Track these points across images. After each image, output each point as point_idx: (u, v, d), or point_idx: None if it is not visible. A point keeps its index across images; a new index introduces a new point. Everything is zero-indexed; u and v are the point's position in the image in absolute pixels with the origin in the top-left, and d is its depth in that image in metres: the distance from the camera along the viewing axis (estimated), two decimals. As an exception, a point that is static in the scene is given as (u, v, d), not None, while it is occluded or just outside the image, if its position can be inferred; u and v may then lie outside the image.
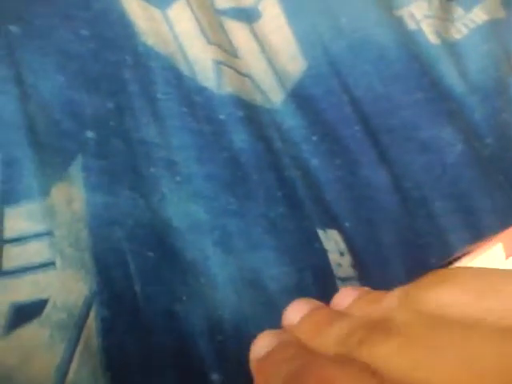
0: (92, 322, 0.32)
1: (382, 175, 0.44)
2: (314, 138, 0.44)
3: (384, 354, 0.18)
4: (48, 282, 0.32)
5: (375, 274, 0.40)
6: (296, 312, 0.26)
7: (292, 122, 0.45)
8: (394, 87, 0.48)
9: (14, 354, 0.30)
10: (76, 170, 0.36)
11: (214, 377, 0.33)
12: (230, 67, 0.45)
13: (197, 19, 0.46)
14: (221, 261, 0.36)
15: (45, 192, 0.34)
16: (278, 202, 0.40)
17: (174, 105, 0.41)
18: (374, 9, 0.51)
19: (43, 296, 0.32)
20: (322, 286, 0.37)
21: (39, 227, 0.33)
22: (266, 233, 0.38)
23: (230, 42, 0.47)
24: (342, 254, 0.39)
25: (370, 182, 0.43)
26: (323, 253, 0.39)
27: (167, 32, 0.45)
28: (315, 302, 0.26)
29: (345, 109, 0.46)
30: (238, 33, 0.48)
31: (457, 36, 0.52)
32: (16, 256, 0.32)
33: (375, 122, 0.46)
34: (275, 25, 0.49)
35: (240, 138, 0.42)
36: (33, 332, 0.31)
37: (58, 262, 0.33)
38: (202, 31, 0.45)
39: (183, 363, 0.33)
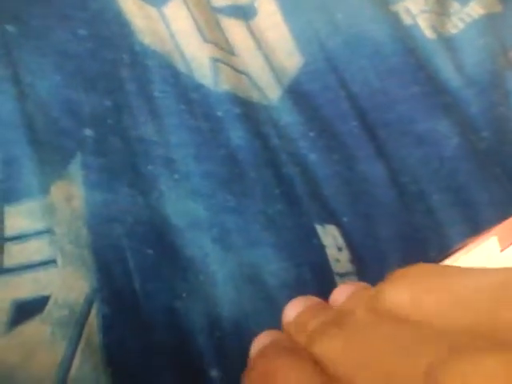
0: (93, 319, 0.32)
1: (379, 170, 0.44)
2: (312, 134, 0.44)
3: (330, 349, 0.19)
4: (49, 279, 0.32)
5: (373, 268, 0.40)
6: (293, 309, 0.26)
7: (289, 118, 0.45)
8: (391, 82, 0.48)
9: (17, 350, 0.30)
10: (75, 168, 0.36)
11: (214, 373, 0.33)
12: (227, 64, 0.45)
13: (193, 17, 0.46)
14: (220, 258, 0.37)
15: (44, 190, 0.35)
16: (276, 199, 0.40)
17: (172, 103, 0.41)
18: (369, 4, 0.51)
19: (45, 293, 0.32)
20: (320, 282, 0.37)
21: (39, 225, 0.34)
22: (264, 229, 0.38)
23: (227, 40, 0.47)
24: (340, 249, 0.40)
25: (368, 177, 0.44)
26: (321, 248, 0.39)
27: (164, 30, 0.45)
28: (313, 300, 0.27)
29: (342, 104, 0.46)
30: (235, 30, 0.48)
31: (453, 30, 0.52)
32: (17, 253, 0.33)
33: (372, 117, 0.46)
34: (271, 22, 0.49)
35: (237, 135, 0.42)
36: (35, 329, 0.31)
37: (59, 260, 0.33)
38: (199, 29, 0.46)
39: (183, 359, 0.33)
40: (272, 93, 0.46)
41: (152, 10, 0.45)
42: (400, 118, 0.46)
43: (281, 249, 0.38)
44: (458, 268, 0.19)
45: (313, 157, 0.43)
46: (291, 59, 0.48)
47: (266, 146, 0.42)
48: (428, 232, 0.42)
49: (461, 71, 0.50)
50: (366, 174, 0.44)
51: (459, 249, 0.31)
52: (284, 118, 0.45)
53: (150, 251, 0.35)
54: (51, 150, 0.36)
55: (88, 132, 0.38)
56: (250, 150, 0.41)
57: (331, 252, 0.39)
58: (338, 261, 0.39)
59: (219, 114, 0.42)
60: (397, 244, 0.41)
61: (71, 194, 0.35)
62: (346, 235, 0.40)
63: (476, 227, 0.42)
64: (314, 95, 0.46)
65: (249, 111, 0.44)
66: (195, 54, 0.44)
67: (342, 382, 0.17)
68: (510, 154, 0.47)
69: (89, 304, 0.32)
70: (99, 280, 0.33)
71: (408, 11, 0.52)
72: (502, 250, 0.29)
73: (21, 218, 0.34)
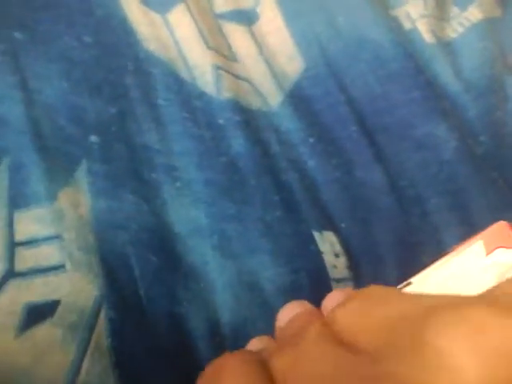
0: (102, 323, 0.33)
1: (377, 175, 0.45)
2: (311, 140, 0.45)
3: (281, 364, 0.20)
4: (59, 283, 0.33)
5: (370, 274, 0.41)
6: (286, 315, 0.27)
7: (289, 124, 0.45)
8: (391, 86, 0.48)
9: (28, 353, 0.31)
10: (81, 175, 0.37)
11: None
12: (228, 72, 0.46)
13: (196, 24, 0.46)
14: (219, 265, 0.38)
15: (52, 197, 0.35)
16: (275, 206, 0.41)
17: (175, 110, 0.42)
18: (370, 9, 0.51)
19: (55, 297, 0.33)
20: (317, 288, 0.38)
21: (49, 231, 0.34)
22: (262, 236, 0.39)
23: (229, 46, 0.48)
24: (337, 255, 0.40)
25: (366, 182, 0.44)
26: (318, 255, 0.40)
27: (168, 37, 0.45)
28: (306, 305, 0.28)
29: (341, 109, 0.47)
30: (237, 36, 0.48)
31: (452, 35, 0.53)
32: (28, 258, 0.33)
33: (371, 122, 0.47)
34: (273, 26, 0.50)
35: (238, 143, 0.43)
36: (46, 332, 0.32)
37: (68, 265, 0.34)
38: (202, 36, 0.46)
39: (184, 363, 0.34)
40: (273, 99, 0.46)
41: (156, 17, 0.46)
42: (399, 123, 0.47)
43: (278, 255, 0.39)
44: (399, 294, 0.20)
45: (312, 163, 0.44)
46: (292, 64, 0.48)
47: (265, 153, 0.43)
48: (425, 236, 0.43)
49: (459, 76, 0.50)
50: (365, 179, 0.44)
51: (450, 251, 0.32)
52: (284, 124, 0.45)
53: (154, 258, 0.36)
54: (58, 156, 0.37)
55: (93, 138, 0.39)
56: (250, 158, 0.42)
57: (328, 258, 0.40)
58: (334, 267, 0.40)
59: (221, 121, 0.43)
60: (394, 249, 0.42)
61: (78, 200, 0.36)
62: (343, 241, 0.41)
63: (472, 231, 0.43)
64: (314, 100, 0.47)
65: (249, 118, 0.44)
66: (198, 62, 0.45)
67: None
68: (507, 158, 0.48)
69: (97, 308, 0.33)
70: (106, 285, 0.34)
71: (408, 16, 0.53)
72: (487, 254, 0.30)
73: (30, 223, 0.34)
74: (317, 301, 0.33)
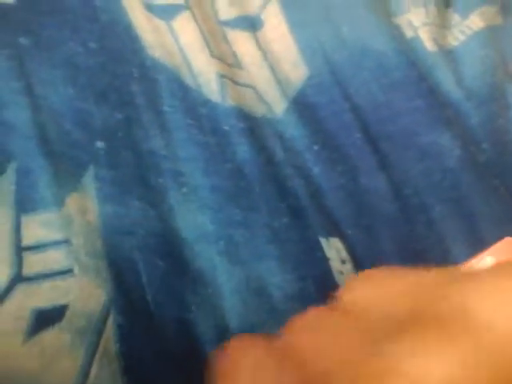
0: (110, 328, 0.33)
1: (381, 182, 0.45)
2: (316, 147, 0.45)
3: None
4: (67, 288, 0.33)
5: None
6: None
7: (294, 131, 0.46)
8: (394, 95, 0.49)
9: (36, 358, 0.31)
10: (88, 180, 0.37)
11: None
12: (232, 80, 0.46)
13: (201, 31, 0.47)
14: (227, 271, 0.38)
15: (60, 202, 0.35)
16: (282, 212, 0.41)
17: (180, 117, 0.42)
18: (373, 18, 0.52)
19: (63, 302, 0.33)
20: (324, 294, 0.38)
21: (57, 235, 0.34)
22: (269, 243, 0.39)
23: (234, 53, 0.48)
24: (343, 261, 0.41)
25: (370, 189, 0.45)
26: (325, 261, 0.40)
27: (172, 44, 0.46)
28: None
29: (346, 117, 0.47)
30: (241, 42, 0.49)
31: (454, 43, 0.53)
32: (35, 263, 0.33)
33: (375, 130, 0.47)
34: (277, 33, 0.50)
35: (242, 150, 0.43)
36: (54, 337, 0.31)
37: (76, 270, 0.34)
38: (206, 43, 0.46)
39: (193, 368, 0.34)
40: (277, 106, 0.47)
41: (161, 24, 0.46)
42: (403, 131, 0.47)
43: (285, 261, 0.39)
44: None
45: (317, 170, 0.44)
46: (296, 71, 0.49)
47: (270, 160, 0.43)
48: (429, 244, 0.43)
49: (461, 84, 0.50)
50: (369, 187, 0.45)
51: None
52: (289, 131, 0.46)
53: (161, 263, 0.36)
54: (65, 161, 0.37)
55: (100, 144, 0.39)
56: (255, 164, 0.42)
57: (335, 265, 0.40)
58: (341, 273, 0.40)
59: (226, 128, 0.43)
60: (399, 256, 0.42)
61: (86, 206, 0.36)
62: (349, 248, 0.41)
63: (476, 239, 0.43)
64: (318, 108, 0.47)
65: (254, 126, 0.44)
66: (202, 69, 0.45)
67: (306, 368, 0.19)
68: (509, 166, 0.48)
69: (105, 313, 0.33)
70: (114, 290, 0.34)
71: (410, 24, 0.53)
72: None
73: (38, 227, 0.34)
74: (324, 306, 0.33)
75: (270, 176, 0.42)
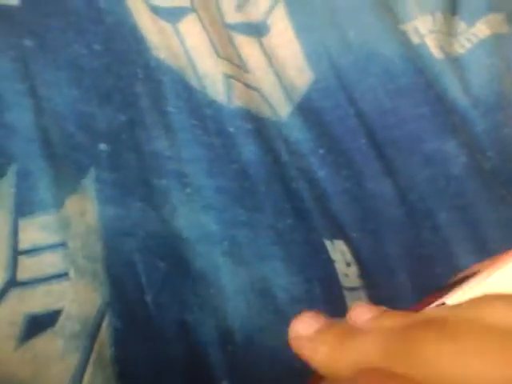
0: (105, 332, 0.32)
1: (387, 187, 0.45)
2: (321, 151, 0.45)
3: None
4: (62, 292, 0.32)
5: (381, 284, 0.40)
6: (302, 325, 0.26)
7: (299, 134, 0.45)
8: (400, 101, 0.48)
9: (29, 364, 0.30)
10: (89, 182, 0.37)
11: None
12: (239, 81, 0.46)
13: (207, 33, 0.47)
14: (230, 271, 0.37)
15: (59, 204, 0.35)
16: (286, 214, 0.41)
17: (185, 118, 0.42)
18: (380, 24, 0.52)
19: (57, 306, 0.32)
20: (329, 296, 0.38)
21: (53, 239, 0.34)
22: (274, 244, 0.39)
23: (240, 56, 0.48)
24: (348, 264, 0.40)
25: (376, 194, 0.44)
26: (330, 263, 0.40)
27: (178, 46, 0.45)
28: (321, 317, 0.27)
29: (351, 122, 0.47)
30: (247, 47, 0.49)
31: (460, 50, 0.53)
32: (30, 267, 0.33)
33: (381, 135, 0.47)
34: (283, 39, 0.50)
35: (249, 150, 0.42)
36: (47, 342, 0.31)
37: (72, 273, 0.33)
38: (212, 45, 0.46)
39: (194, 373, 0.34)
40: (282, 109, 0.46)
41: (166, 26, 0.46)
42: (408, 137, 0.47)
43: (290, 263, 0.38)
44: None
45: (322, 173, 0.44)
46: (302, 76, 0.49)
47: (276, 162, 0.43)
48: (435, 249, 0.43)
49: (468, 91, 0.50)
50: (375, 192, 0.44)
51: (470, 275, 0.31)
52: (294, 135, 0.45)
53: (162, 264, 0.36)
54: (66, 164, 0.37)
55: (103, 146, 0.38)
56: (261, 165, 0.42)
57: (340, 267, 0.40)
58: (346, 276, 0.40)
59: (231, 129, 0.43)
60: (404, 260, 0.42)
61: (85, 208, 0.36)
62: (354, 251, 0.41)
63: (482, 245, 0.43)
64: (324, 112, 0.47)
65: (260, 127, 0.44)
66: (208, 71, 0.45)
67: None
68: None
69: (100, 317, 0.32)
70: (111, 294, 0.33)
71: (416, 31, 0.53)
72: None
73: (35, 231, 0.34)
74: (329, 310, 0.32)
75: (276, 177, 0.42)
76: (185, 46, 0.46)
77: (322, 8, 0.52)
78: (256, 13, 0.51)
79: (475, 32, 0.54)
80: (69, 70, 0.41)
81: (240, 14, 0.50)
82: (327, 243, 0.40)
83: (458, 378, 0.18)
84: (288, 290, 0.37)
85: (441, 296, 0.29)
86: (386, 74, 0.49)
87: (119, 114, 0.40)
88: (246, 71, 0.47)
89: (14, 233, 0.33)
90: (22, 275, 0.32)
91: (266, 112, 0.46)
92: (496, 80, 0.51)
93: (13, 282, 0.32)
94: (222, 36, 0.48)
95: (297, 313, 0.28)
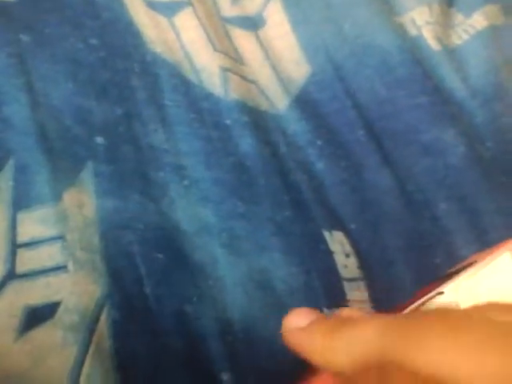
0: (103, 324, 0.32)
1: (386, 178, 0.45)
2: (319, 143, 0.45)
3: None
4: (60, 284, 0.32)
5: (380, 274, 0.40)
6: (294, 322, 0.26)
7: (297, 126, 0.45)
8: (398, 92, 0.49)
9: (28, 356, 0.30)
10: (87, 175, 0.37)
11: (225, 377, 0.33)
12: (236, 74, 0.46)
13: (203, 27, 0.47)
14: (229, 263, 0.37)
15: (57, 197, 0.35)
16: (285, 206, 0.40)
17: (182, 111, 0.42)
18: (376, 16, 0.52)
19: (56, 298, 0.32)
20: (328, 287, 0.38)
21: (51, 231, 0.34)
22: (272, 235, 0.39)
23: (236, 50, 0.48)
24: (347, 255, 0.40)
25: (375, 185, 0.44)
26: (329, 254, 0.40)
27: (174, 40, 0.45)
28: (316, 311, 0.27)
29: (348, 113, 0.47)
30: (244, 40, 0.49)
31: (457, 42, 0.53)
32: (29, 260, 0.33)
33: (378, 126, 0.47)
34: (280, 31, 0.50)
35: (246, 143, 0.42)
36: (46, 334, 0.31)
37: (70, 266, 0.33)
38: (209, 39, 0.46)
39: (194, 364, 0.33)
40: (280, 102, 0.46)
41: (163, 20, 0.46)
42: (406, 128, 0.47)
43: (289, 255, 0.38)
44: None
45: (320, 165, 0.44)
46: (298, 69, 0.49)
47: (274, 154, 0.43)
48: (434, 239, 0.43)
49: (465, 82, 0.50)
50: (373, 182, 0.44)
51: (467, 265, 0.31)
52: (291, 127, 0.45)
53: (161, 256, 0.36)
54: (64, 157, 0.37)
55: (99, 140, 0.38)
56: (258, 158, 0.42)
57: (339, 258, 0.40)
58: (345, 267, 0.39)
59: (228, 122, 0.43)
60: (403, 251, 0.42)
61: (83, 201, 0.36)
62: (353, 242, 0.41)
63: (482, 235, 0.43)
64: (321, 104, 0.47)
65: (257, 119, 0.44)
66: (205, 64, 0.45)
67: None
68: None
69: (99, 309, 0.32)
70: (110, 286, 0.33)
71: (413, 22, 0.53)
72: None
73: (33, 224, 0.34)
74: (328, 300, 0.32)
75: (274, 169, 0.42)
76: (181, 39, 0.46)
77: (318, 1, 0.52)
78: (252, 6, 0.51)
79: (472, 23, 0.54)
80: (65, 65, 0.41)
81: (236, 8, 0.50)
82: (326, 234, 0.40)
83: (459, 369, 0.18)
84: (287, 282, 0.37)
85: (439, 285, 0.29)
86: (382, 65, 0.49)
87: (116, 107, 0.40)
88: (243, 64, 0.47)
89: (13, 226, 0.33)
90: (20, 268, 0.32)
91: (263, 104, 0.46)
92: (493, 71, 0.51)
93: (12, 275, 0.32)
94: (219, 29, 0.48)
95: (296, 304, 0.28)
